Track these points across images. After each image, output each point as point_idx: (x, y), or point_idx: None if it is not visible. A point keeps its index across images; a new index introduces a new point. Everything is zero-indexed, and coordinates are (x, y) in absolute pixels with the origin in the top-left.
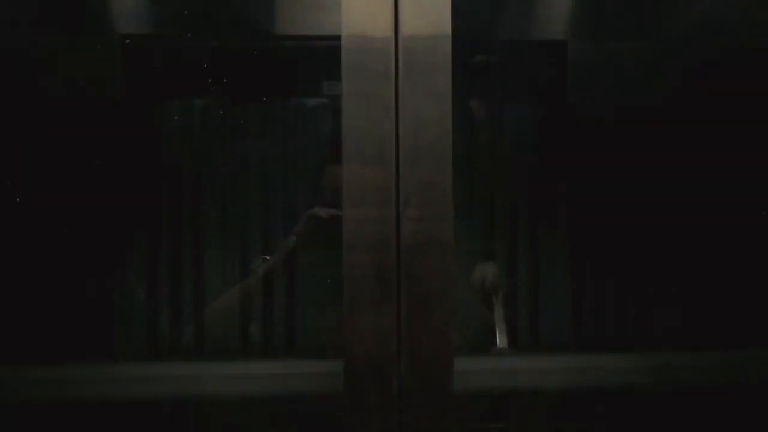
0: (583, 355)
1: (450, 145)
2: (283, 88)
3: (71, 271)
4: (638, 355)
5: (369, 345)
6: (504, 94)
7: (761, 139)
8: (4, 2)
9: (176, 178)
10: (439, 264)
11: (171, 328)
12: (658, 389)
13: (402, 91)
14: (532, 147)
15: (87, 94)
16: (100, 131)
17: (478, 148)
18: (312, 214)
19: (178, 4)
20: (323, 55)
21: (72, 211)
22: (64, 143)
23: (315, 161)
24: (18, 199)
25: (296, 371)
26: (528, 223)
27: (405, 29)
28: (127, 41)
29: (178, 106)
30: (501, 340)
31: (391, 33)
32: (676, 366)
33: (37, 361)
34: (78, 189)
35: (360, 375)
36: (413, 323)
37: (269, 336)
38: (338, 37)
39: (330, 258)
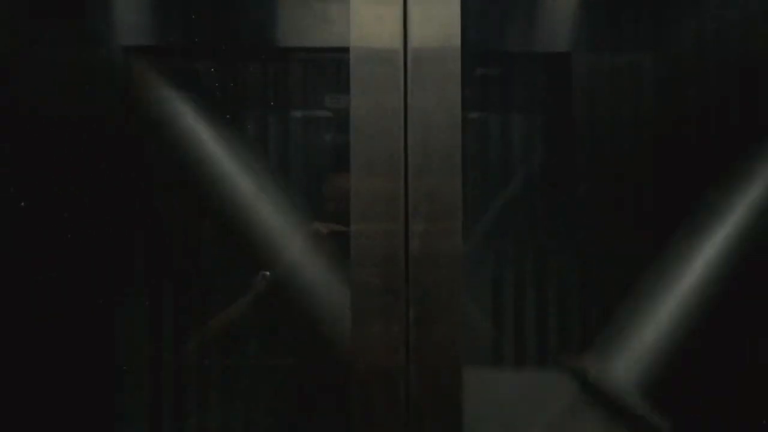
0: None
1: (459, 157)
2: None
3: None
4: None
5: (377, 356)
6: None
7: None
8: None
9: None
10: (449, 275)
11: None
12: None
13: (411, 102)
14: None
15: None
16: None
17: None
18: (312, 230)
19: None
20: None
21: None
22: None
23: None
24: None
25: None
26: None
27: (414, 40)
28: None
29: None
30: None
31: (400, 44)
32: None
33: None
34: None
35: (368, 385)
36: (422, 335)
37: None
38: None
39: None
